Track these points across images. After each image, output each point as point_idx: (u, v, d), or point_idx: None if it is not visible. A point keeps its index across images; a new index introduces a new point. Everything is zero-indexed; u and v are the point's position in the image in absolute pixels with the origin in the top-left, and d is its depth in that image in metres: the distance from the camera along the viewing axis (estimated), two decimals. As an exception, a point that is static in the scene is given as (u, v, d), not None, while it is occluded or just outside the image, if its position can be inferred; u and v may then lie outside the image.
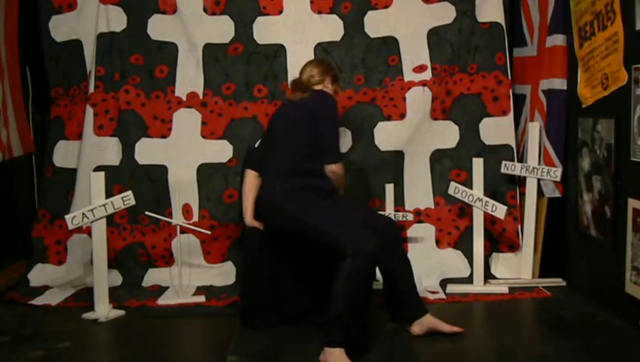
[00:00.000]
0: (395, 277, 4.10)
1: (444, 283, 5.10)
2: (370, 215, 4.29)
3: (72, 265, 5.34)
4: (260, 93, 5.42)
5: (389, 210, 5.11)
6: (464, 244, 5.25)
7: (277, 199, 4.09)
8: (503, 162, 5.26)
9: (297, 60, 5.37)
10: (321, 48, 5.43)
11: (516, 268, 5.22)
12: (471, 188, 4.98)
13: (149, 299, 4.89)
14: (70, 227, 4.57)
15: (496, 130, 5.39)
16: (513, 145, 5.38)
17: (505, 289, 4.93)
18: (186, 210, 5.31)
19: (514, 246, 5.31)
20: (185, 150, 5.34)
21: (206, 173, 5.34)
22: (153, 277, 5.26)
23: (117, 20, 5.41)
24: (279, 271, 4.26)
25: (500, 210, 4.87)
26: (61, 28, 5.51)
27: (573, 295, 4.84)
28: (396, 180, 5.33)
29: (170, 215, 5.24)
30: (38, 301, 4.86)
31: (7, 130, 5.34)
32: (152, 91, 5.42)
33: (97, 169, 5.11)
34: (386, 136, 5.37)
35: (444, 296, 4.85)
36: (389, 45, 5.45)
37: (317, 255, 4.01)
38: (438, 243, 5.35)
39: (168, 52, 5.44)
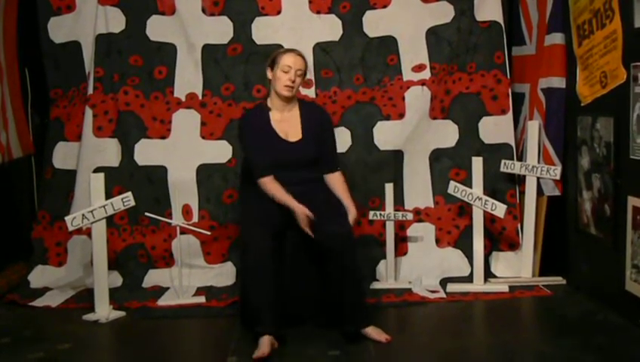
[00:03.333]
0: (335, 286, 4.03)
1: (444, 282, 5.10)
2: (326, 219, 4.06)
3: (72, 266, 5.34)
4: (259, 94, 5.41)
5: (389, 210, 5.10)
6: (464, 243, 5.25)
7: None
8: (503, 161, 5.26)
9: (296, 60, 5.39)
10: (320, 48, 5.43)
11: (516, 267, 5.23)
12: (470, 187, 4.99)
13: (150, 299, 4.89)
14: (70, 228, 4.57)
15: (495, 128, 5.39)
16: (512, 143, 5.38)
17: (505, 288, 4.93)
18: (186, 211, 5.31)
19: (514, 245, 5.31)
20: (184, 151, 5.34)
21: (205, 173, 5.34)
22: (153, 278, 5.26)
23: (115, 21, 5.41)
24: (279, 272, 4.25)
25: (499, 209, 4.87)
26: (60, 29, 5.52)
27: (573, 293, 4.84)
28: (396, 179, 5.32)
29: (169, 216, 5.23)
30: (38, 302, 4.87)
31: (6, 132, 5.34)
32: (151, 92, 5.42)
33: (97, 170, 5.11)
34: (385, 135, 5.37)
35: (444, 295, 4.85)
36: (388, 45, 5.45)
37: (315, 256, 4.10)
38: (437, 242, 5.35)
39: (167, 53, 5.44)
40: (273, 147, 4.20)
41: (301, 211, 4.00)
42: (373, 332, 4.01)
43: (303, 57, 4.27)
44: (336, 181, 4.33)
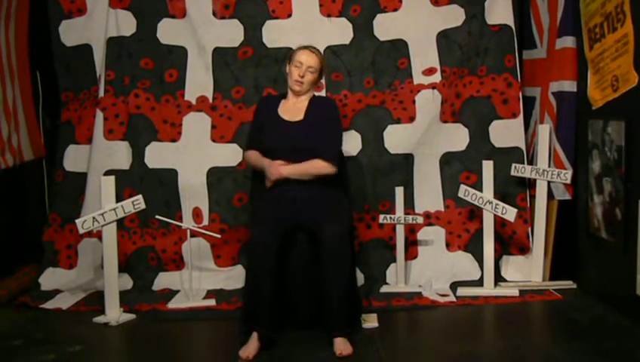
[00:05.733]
0: (322, 287, 3.99)
1: (454, 286, 5.09)
2: (322, 221, 4.01)
3: (82, 269, 5.36)
4: (270, 97, 5.43)
5: (399, 213, 5.10)
6: (474, 247, 5.24)
7: None
8: (513, 164, 5.25)
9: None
10: (331, 51, 5.43)
11: (527, 271, 5.21)
12: (481, 190, 4.97)
13: (160, 302, 4.90)
14: (81, 231, 4.59)
15: (506, 132, 5.38)
16: (523, 147, 5.37)
17: (515, 292, 4.92)
18: (196, 214, 5.32)
19: (524, 249, 5.30)
20: (195, 154, 5.36)
21: (216, 176, 5.35)
22: (163, 280, 5.28)
23: (126, 25, 5.43)
24: (282, 273, 4.21)
25: (510, 213, 4.86)
26: (71, 32, 5.55)
27: (583, 297, 4.82)
28: (406, 183, 5.32)
29: (180, 219, 5.25)
30: (49, 305, 4.88)
31: (17, 135, 5.36)
32: (162, 95, 5.44)
33: (107, 173, 5.13)
34: (396, 138, 5.37)
35: (454, 299, 4.84)
36: (399, 48, 5.45)
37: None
38: (448, 246, 5.34)
39: (178, 56, 5.45)
40: (274, 127, 4.33)
41: (273, 166, 4.22)
42: (339, 343, 3.88)
43: (318, 55, 4.42)
44: (312, 160, 4.23)
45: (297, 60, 4.33)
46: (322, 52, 5.33)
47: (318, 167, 4.22)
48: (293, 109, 4.38)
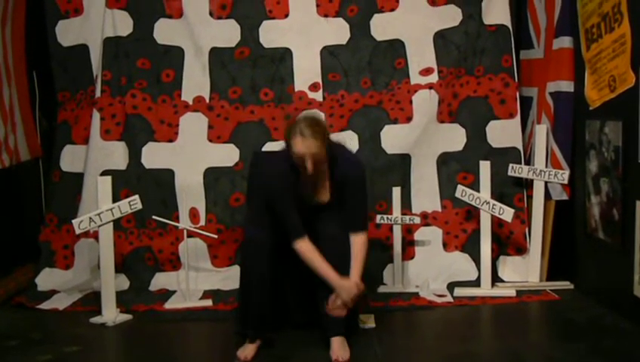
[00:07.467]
0: (319, 287, 3.90)
1: (451, 286, 5.09)
2: (326, 232, 3.96)
3: (79, 269, 5.35)
4: (267, 97, 5.42)
5: (396, 213, 5.09)
6: (471, 247, 5.23)
7: None
8: (510, 165, 5.25)
9: (303, 64, 5.40)
10: (327, 51, 5.43)
11: (524, 271, 5.21)
12: (478, 191, 4.97)
13: (156, 303, 4.89)
14: (77, 231, 4.58)
15: (503, 132, 5.37)
16: (520, 147, 5.37)
17: (512, 293, 4.91)
18: (193, 214, 5.31)
19: (521, 250, 5.29)
20: (191, 154, 5.34)
21: (213, 177, 5.34)
22: (160, 281, 5.27)
23: (123, 25, 5.42)
24: (278, 275, 4.19)
25: (507, 213, 4.86)
26: (68, 33, 5.54)
27: (581, 298, 4.82)
28: (403, 183, 5.31)
29: (177, 219, 5.24)
30: (45, 305, 4.87)
31: (14, 135, 5.35)
32: (159, 95, 5.43)
33: (104, 173, 5.11)
34: (393, 139, 5.36)
35: (451, 300, 4.84)
36: (396, 48, 5.44)
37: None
38: (445, 246, 5.34)
39: (174, 56, 5.45)
40: (299, 208, 3.92)
41: (346, 287, 3.80)
42: (335, 344, 3.84)
43: (314, 134, 3.72)
44: (355, 244, 3.93)
45: (297, 156, 3.73)
46: (319, 52, 5.37)
47: (364, 246, 3.95)
48: (315, 183, 3.93)
